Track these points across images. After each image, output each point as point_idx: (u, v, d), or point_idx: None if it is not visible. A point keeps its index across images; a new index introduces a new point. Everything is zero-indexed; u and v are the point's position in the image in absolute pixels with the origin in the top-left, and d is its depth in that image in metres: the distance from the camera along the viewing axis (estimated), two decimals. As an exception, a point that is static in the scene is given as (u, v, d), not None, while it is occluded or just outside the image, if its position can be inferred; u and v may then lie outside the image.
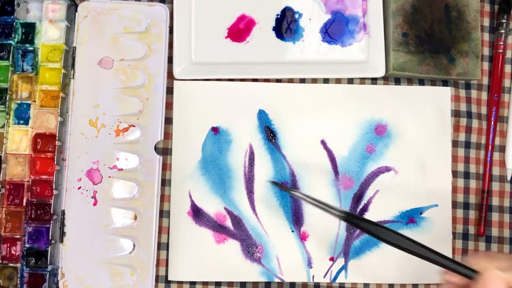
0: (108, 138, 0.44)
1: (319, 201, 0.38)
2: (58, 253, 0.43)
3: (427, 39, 0.46)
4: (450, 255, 0.46)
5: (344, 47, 0.47)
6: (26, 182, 0.43)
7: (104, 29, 0.45)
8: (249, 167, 0.46)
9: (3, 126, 0.44)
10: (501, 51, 0.48)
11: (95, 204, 0.43)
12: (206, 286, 0.45)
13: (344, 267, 0.45)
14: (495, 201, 0.47)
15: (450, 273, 0.32)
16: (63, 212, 0.43)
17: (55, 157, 0.43)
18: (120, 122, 0.44)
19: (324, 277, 0.45)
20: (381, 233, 0.34)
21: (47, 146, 0.43)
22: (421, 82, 0.48)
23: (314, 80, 0.47)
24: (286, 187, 0.44)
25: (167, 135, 0.46)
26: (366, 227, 0.35)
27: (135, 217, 0.43)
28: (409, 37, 0.46)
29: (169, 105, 0.46)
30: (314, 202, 0.38)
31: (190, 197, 0.45)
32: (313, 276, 0.45)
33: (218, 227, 0.45)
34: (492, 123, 0.47)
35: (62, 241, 0.43)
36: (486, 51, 0.48)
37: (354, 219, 0.36)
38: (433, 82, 0.48)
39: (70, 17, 0.45)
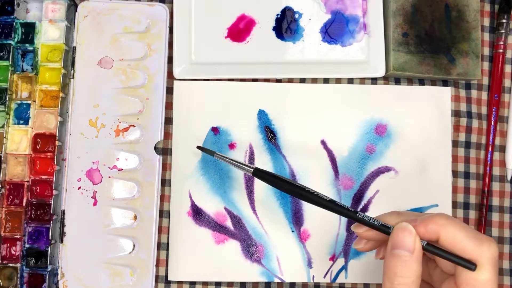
0: (108, 138, 0.44)
1: (233, 160, 0.41)
2: (58, 253, 0.43)
3: (427, 39, 0.46)
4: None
5: (344, 47, 0.47)
6: (26, 182, 0.43)
7: (104, 29, 0.45)
8: (249, 167, 0.46)
9: (3, 126, 0.44)
10: (501, 51, 0.48)
11: (95, 204, 0.43)
12: (206, 286, 0.45)
13: (344, 267, 0.45)
14: (495, 201, 0.47)
15: (361, 226, 0.33)
16: (63, 212, 0.43)
17: (55, 157, 0.43)
18: (120, 122, 0.44)
19: (324, 277, 0.45)
20: (286, 187, 0.36)
21: (47, 146, 0.43)
22: (421, 82, 0.48)
23: (314, 80, 0.47)
24: (210, 151, 0.43)
25: (167, 135, 0.46)
26: (273, 181, 0.37)
27: (135, 217, 0.43)
28: (409, 37, 0.46)
29: (169, 105, 0.46)
30: (230, 161, 0.41)
31: (190, 197, 0.45)
32: (313, 276, 0.45)
33: (218, 227, 0.45)
34: (492, 123, 0.47)
35: (62, 241, 0.43)
36: (486, 51, 0.48)
37: (261, 173, 0.38)
38: (433, 82, 0.48)
39: (70, 17, 0.45)
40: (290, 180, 0.36)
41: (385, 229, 0.32)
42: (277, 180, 0.37)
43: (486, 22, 0.49)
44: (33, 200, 0.43)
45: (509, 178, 0.47)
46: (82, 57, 0.45)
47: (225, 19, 0.46)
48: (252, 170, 0.39)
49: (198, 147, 0.44)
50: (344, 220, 0.45)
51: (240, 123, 0.46)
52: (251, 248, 0.45)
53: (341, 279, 0.45)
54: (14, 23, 0.44)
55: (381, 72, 0.46)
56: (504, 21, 0.48)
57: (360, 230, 0.34)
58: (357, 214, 0.33)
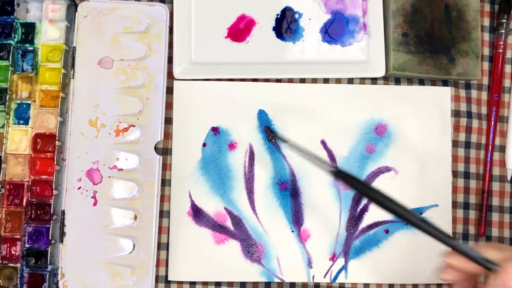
0: (108, 138, 0.44)
1: (311, 154, 0.38)
2: (58, 253, 0.43)
3: (427, 39, 0.46)
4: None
5: (344, 47, 0.47)
6: (26, 182, 0.43)
7: (104, 29, 0.45)
8: (249, 167, 0.46)
9: (3, 126, 0.44)
10: (501, 51, 0.48)
11: (95, 204, 0.43)
12: (206, 286, 0.45)
13: (344, 267, 0.45)
14: (495, 201, 0.47)
15: (455, 255, 0.30)
16: (63, 212, 0.43)
17: (55, 157, 0.43)
18: (120, 122, 0.44)
19: (324, 277, 0.45)
20: (373, 194, 0.34)
21: (47, 146, 0.43)
22: (421, 82, 0.48)
23: (314, 80, 0.47)
24: (279, 136, 0.42)
25: (167, 135, 0.46)
26: (357, 185, 0.35)
27: (135, 217, 0.43)
28: (409, 37, 0.46)
29: (169, 105, 0.46)
30: (306, 155, 0.38)
31: (190, 197, 0.45)
32: (313, 276, 0.45)
33: (218, 227, 0.45)
34: (492, 123, 0.47)
35: (62, 241, 0.43)
36: (486, 51, 0.48)
37: (343, 175, 0.35)
38: (433, 82, 0.48)
39: (70, 17, 0.45)
40: (378, 191, 0.34)
41: (488, 265, 0.29)
42: (365, 187, 0.34)
43: (486, 22, 0.49)
44: (33, 200, 0.43)
45: (509, 178, 0.47)
46: (82, 57, 0.45)
47: (225, 19, 0.46)
48: (333, 170, 0.36)
49: (270, 133, 0.41)
50: (344, 220, 0.45)
51: (240, 123, 0.46)
52: (251, 248, 0.45)
53: (341, 279, 0.45)
54: (14, 23, 0.44)
55: (381, 72, 0.46)
56: (504, 21, 0.48)
57: (454, 261, 0.30)
58: (455, 242, 0.29)
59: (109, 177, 0.44)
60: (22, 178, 0.43)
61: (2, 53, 0.44)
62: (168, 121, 0.46)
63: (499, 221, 0.47)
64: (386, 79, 0.47)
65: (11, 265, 0.43)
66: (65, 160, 0.44)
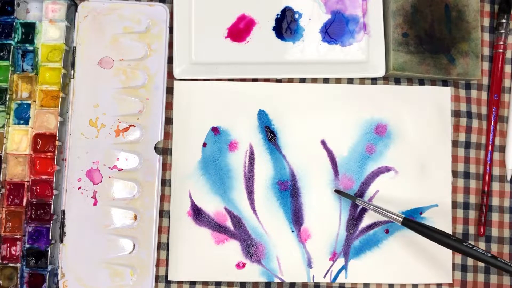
0: (108, 138, 0.44)
1: (379, 208, 0.43)
2: (58, 253, 0.43)
3: (427, 39, 0.46)
4: (449, 256, 0.46)
5: (344, 47, 0.47)
6: (26, 182, 0.43)
7: (104, 29, 0.45)
8: (249, 167, 0.46)
9: (3, 126, 0.44)
10: (501, 51, 0.48)
11: (95, 204, 0.43)
12: (206, 286, 0.45)
13: (344, 267, 0.45)
14: (495, 201, 0.47)
15: None
16: (63, 212, 0.43)
17: (55, 157, 0.43)
18: (120, 122, 0.44)
19: (324, 277, 0.45)
20: (436, 237, 0.39)
21: (47, 146, 0.43)
22: (421, 82, 0.48)
23: (314, 80, 0.47)
24: (350, 195, 0.45)
25: (167, 135, 0.46)
26: (421, 230, 0.40)
27: (135, 217, 0.43)
28: (409, 37, 0.46)
29: (169, 105, 0.46)
30: (375, 209, 0.43)
31: (190, 197, 0.45)
32: (313, 276, 0.45)
33: (218, 227, 0.45)
34: (492, 123, 0.47)
35: (62, 241, 0.43)
36: (486, 51, 0.48)
37: (411, 223, 0.41)
38: (433, 82, 0.48)
39: (70, 17, 0.45)
40: (441, 231, 0.40)
41: None
42: (428, 231, 0.40)
43: (486, 22, 0.49)
44: (33, 200, 0.43)
45: (509, 178, 0.47)
46: (82, 57, 0.45)
47: (225, 19, 0.46)
48: (401, 220, 0.41)
49: (337, 191, 0.45)
50: (344, 220, 0.45)
51: (240, 123, 0.46)
52: (251, 248, 0.45)
53: (341, 279, 0.45)
54: (14, 23, 0.44)
55: (381, 72, 0.46)
56: (504, 21, 0.48)
57: None
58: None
59: (109, 177, 0.44)
60: (22, 178, 0.43)
61: (2, 53, 0.44)
62: (168, 121, 0.46)
63: (499, 221, 0.47)
64: (386, 79, 0.47)
65: (11, 265, 0.43)
66: (65, 160, 0.44)
